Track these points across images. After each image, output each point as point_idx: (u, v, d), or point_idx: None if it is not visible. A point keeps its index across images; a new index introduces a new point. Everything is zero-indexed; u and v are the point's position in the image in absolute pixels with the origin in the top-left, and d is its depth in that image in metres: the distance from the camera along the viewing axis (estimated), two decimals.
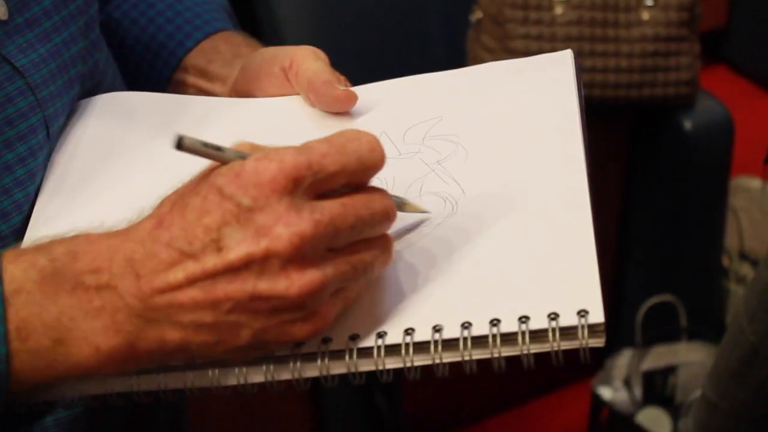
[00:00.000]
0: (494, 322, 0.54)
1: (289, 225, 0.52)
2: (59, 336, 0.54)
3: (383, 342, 0.55)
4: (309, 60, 0.72)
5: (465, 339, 0.54)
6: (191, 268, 0.52)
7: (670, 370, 1.53)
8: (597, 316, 0.53)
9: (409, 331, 0.55)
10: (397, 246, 0.60)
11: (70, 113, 0.72)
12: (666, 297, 1.57)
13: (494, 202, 0.61)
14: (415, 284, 0.58)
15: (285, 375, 0.56)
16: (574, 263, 0.56)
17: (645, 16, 1.44)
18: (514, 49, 1.42)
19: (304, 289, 0.52)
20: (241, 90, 0.76)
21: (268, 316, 0.53)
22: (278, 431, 1.60)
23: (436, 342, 0.54)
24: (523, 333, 0.53)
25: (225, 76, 0.79)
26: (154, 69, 0.83)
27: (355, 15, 1.50)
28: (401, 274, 0.59)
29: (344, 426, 1.59)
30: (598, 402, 1.55)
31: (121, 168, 0.69)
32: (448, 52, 1.51)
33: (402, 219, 0.61)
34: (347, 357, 0.55)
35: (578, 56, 0.70)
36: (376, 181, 0.64)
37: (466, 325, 0.54)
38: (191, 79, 0.81)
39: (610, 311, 0.54)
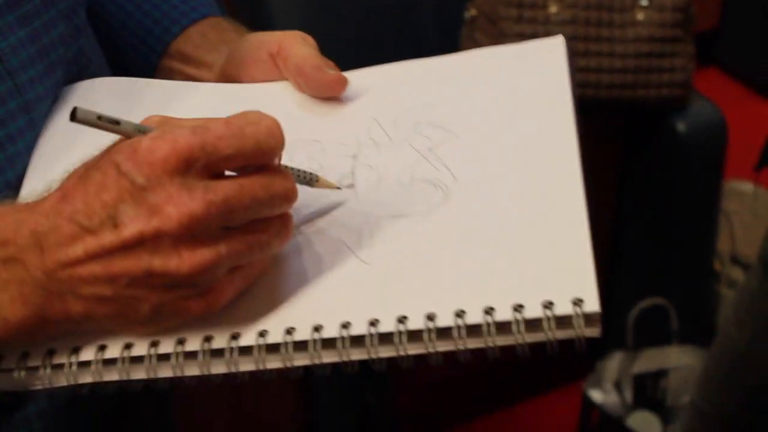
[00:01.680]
0: (488, 311, 0.54)
1: (179, 205, 0.52)
2: None
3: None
4: (297, 45, 0.71)
5: (459, 327, 0.53)
6: (90, 243, 0.53)
7: (660, 374, 1.52)
8: (592, 304, 0.53)
9: (402, 320, 0.54)
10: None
11: (55, 99, 0.72)
12: (657, 300, 1.56)
13: (486, 190, 0.61)
14: (404, 271, 0.57)
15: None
16: (568, 252, 0.56)
17: (640, 16, 1.43)
18: None
19: (195, 268, 0.53)
20: (229, 76, 0.75)
21: (165, 291, 0.54)
22: (269, 426, 1.59)
23: (430, 330, 0.54)
24: (518, 321, 0.53)
25: (212, 63, 0.78)
26: (141, 55, 0.82)
27: (348, 10, 1.49)
28: (386, 265, 0.58)
29: (335, 421, 1.59)
30: (588, 404, 1.55)
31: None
32: (441, 48, 1.49)
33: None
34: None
35: (572, 56, 0.70)
36: (365, 168, 0.64)
37: (459, 314, 0.54)
38: (178, 66, 0.80)
39: (602, 313, 0.54)
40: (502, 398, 1.72)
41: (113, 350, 0.57)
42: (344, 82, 0.69)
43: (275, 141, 0.55)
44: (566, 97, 0.65)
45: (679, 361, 1.54)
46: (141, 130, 0.54)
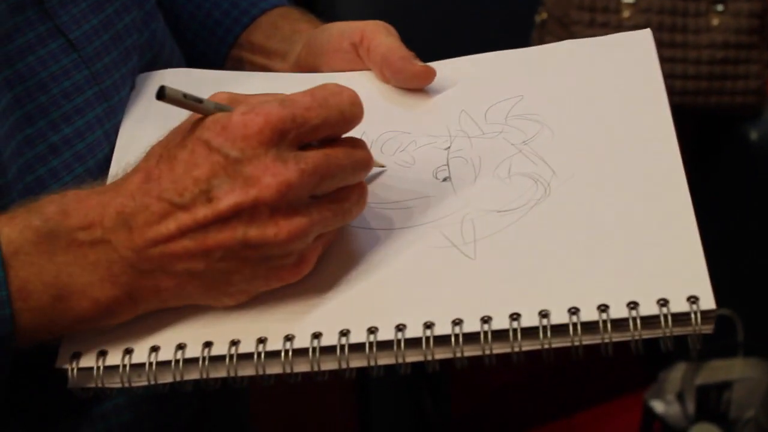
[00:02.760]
0: (602, 308, 0.54)
1: (276, 174, 0.54)
2: (59, 292, 0.55)
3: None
4: (381, 35, 0.71)
5: (575, 325, 0.53)
6: (183, 218, 0.54)
7: (724, 386, 1.50)
8: (708, 302, 0.53)
9: (515, 317, 0.54)
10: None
11: (133, 85, 0.71)
12: (724, 311, 1.53)
13: (588, 184, 0.60)
14: (512, 267, 0.57)
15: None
16: (678, 248, 0.56)
17: (715, 22, 1.41)
18: None
19: (292, 234, 0.54)
20: (306, 65, 0.75)
21: (258, 262, 0.55)
22: (323, 428, 1.59)
23: (545, 327, 0.54)
24: (634, 319, 0.53)
25: (284, 52, 0.78)
26: (211, 46, 0.83)
27: (415, 14, 1.48)
28: (494, 261, 0.58)
29: (390, 427, 1.58)
30: (649, 415, 1.53)
31: None
32: None
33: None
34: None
35: None
36: (460, 161, 0.64)
37: (573, 311, 0.54)
38: (249, 56, 0.81)
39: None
40: (562, 407, 1.70)
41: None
42: (432, 74, 0.69)
43: (357, 110, 0.57)
44: (659, 89, 0.66)
45: (743, 373, 1.51)
46: (220, 108, 0.56)
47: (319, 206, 0.56)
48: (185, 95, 0.55)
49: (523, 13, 1.49)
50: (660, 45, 1.41)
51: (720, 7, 1.41)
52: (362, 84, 0.70)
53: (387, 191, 0.63)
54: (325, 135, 0.57)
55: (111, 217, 0.55)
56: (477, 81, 0.69)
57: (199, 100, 0.56)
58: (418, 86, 0.69)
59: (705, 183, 1.60)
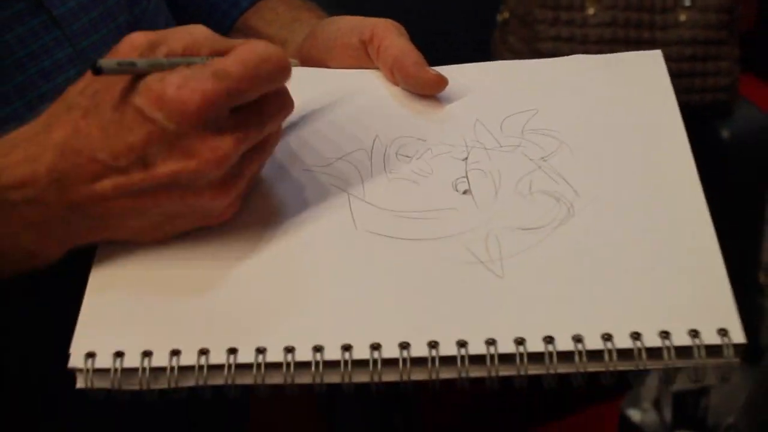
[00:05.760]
0: (636, 336, 0.54)
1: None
2: None
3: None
4: (393, 35, 0.69)
5: (610, 351, 0.54)
6: (119, 180, 0.54)
7: (701, 392, 1.47)
8: (738, 335, 0.54)
9: (548, 339, 0.55)
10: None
11: None
12: None
13: (611, 208, 0.61)
14: (545, 289, 0.57)
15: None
16: (704, 278, 0.57)
17: (682, 17, 1.38)
18: (543, 52, 1.37)
19: (220, 153, 0.54)
20: (311, 58, 0.73)
21: (188, 192, 0.55)
22: None
23: (580, 352, 0.54)
24: (668, 348, 0.54)
25: (283, 39, 0.76)
26: None
27: (376, 14, 1.46)
28: (523, 281, 0.57)
29: None
30: (626, 424, 1.50)
31: None
32: (473, 52, 1.47)
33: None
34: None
35: None
36: (479, 174, 0.64)
37: (607, 337, 0.54)
38: None
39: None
40: (537, 417, 1.67)
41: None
42: (445, 83, 0.67)
43: (286, 76, 0.56)
44: (674, 108, 0.65)
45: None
46: (154, 65, 0.55)
47: (244, 119, 0.55)
48: (119, 63, 0.54)
49: (485, 13, 1.47)
50: (627, 42, 1.40)
51: (687, 2, 1.39)
52: (374, 84, 0.70)
53: (407, 200, 0.62)
54: (253, 97, 0.56)
55: (42, 176, 0.54)
56: (488, 90, 0.69)
57: (133, 63, 0.54)
58: (429, 93, 0.68)
59: None
